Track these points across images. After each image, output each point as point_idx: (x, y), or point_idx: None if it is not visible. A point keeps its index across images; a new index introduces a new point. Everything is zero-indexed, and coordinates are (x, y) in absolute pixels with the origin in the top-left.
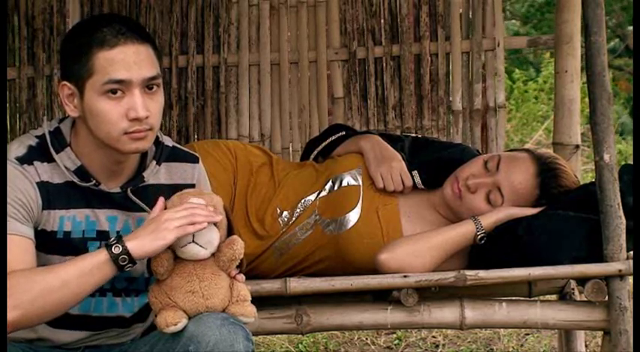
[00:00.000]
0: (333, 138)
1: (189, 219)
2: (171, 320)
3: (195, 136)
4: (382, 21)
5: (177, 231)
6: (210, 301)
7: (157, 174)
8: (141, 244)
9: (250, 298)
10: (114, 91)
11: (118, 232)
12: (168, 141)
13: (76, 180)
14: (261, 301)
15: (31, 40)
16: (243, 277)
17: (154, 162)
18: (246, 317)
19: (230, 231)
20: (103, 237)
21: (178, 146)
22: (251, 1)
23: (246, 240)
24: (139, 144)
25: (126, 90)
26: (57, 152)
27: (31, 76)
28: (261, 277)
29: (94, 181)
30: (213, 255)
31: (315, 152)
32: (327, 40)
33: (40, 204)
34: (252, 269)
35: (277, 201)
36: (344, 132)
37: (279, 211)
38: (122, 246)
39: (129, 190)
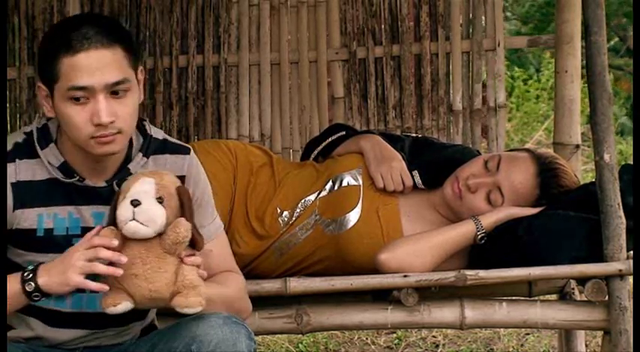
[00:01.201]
0: (333, 138)
1: (91, 267)
2: (111, 301)
3: (195, 136)
4: (382, 21)
5: (79, 279)
6: (154, 285)
7: (145, 167)
8: (49, 284)
9: (200, 283)
10: (77, 98)
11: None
12: (158, 134)
13: (59, 176)
14: (261, 301)
15: (31, 40)
16: (196, 260)
17: (140, 155)
18: (191, 307)
19: (189, 216)
20: (88, 232)
21: (170, 139)
22: (251, 1)
23: (247, 240)
24: (107, 148)
25: (90, 96)
26: (42, 148)
27: (31, 76)
28: (261, 277)
29: (78, 177)
30: (160, 236)
31: (316, 152)
32: (328, 40)
33: (12, 205)
34: (252, 270)
35: (277, 200)
36: (344, 132)
37: (279, 211)
38: (34, 283)
39: (114, 184)
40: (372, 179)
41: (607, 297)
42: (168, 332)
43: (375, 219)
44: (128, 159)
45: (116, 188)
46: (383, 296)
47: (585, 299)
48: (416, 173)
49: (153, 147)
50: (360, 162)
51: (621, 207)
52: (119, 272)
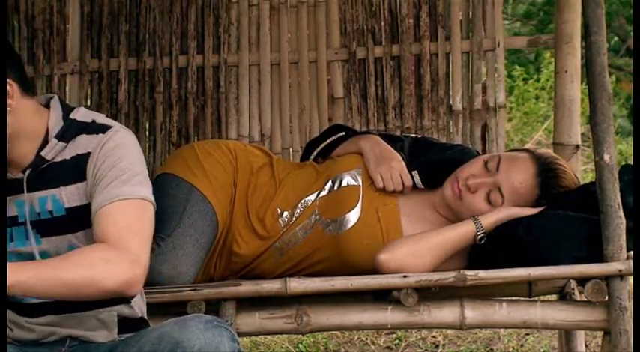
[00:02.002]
0: (333, 138)
1: None
2: None
3: (195, 136)
4: (382, 21)
5: None
6: None
7: (64, 152)
8: None
9: None
10: None
11: (25, 216)
12: (86, 117)
13: None
14: (261, 301)
15: (31, 40)
16: None
17: (55, 141)
18: None
19: None
20: (13, 222)
21: (100, 120)
22: (251, 1)
23: (247, 241)
24: None
25: None
26: None
27: (31, 76)
28: (261, 277)
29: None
30: None
31: (315, 152)
32: (327, 40)
33: None
34: (252, 270)
35: (277, 201)
36: (344, 133)
37: (279, 211)
38: None
39: (26, 174)
40: (372, 179)
41: (607, 297)
42: (153, 336)
43: (374, 220)
44: (43, 146)
45: (24, 179)
46: (383, 297)
47: (585, 299)
48: (416, 173)
49: (74, 131)
50: (360, 163)
51: (621, 207)
52: None
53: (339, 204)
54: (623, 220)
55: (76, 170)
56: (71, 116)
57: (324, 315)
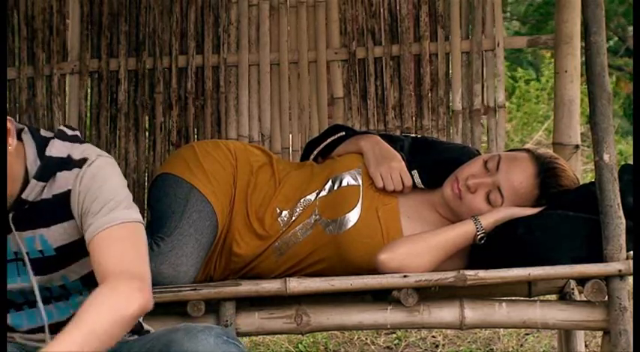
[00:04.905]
0: (333, 138)
1: None
2: None
3: (195, 136)
4: (382, 21)
5: None
6: None
7: (44, 192)
8: None
9: None
10: None
11: (12, 254)
12: (61, 152)
13: None
14: (261, 301)
15: (30, 40)
16: None
17: (34, 181)
18: None
19: None
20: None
21: (75, 155)
22: (251, 1)
23: (247, 240)
24: None
25: None
26: None
27: (31, 76)
28: (261, 277)
29: None
30: None
31: (315, 152)
32: (327, 40)
33: None
34: (251, 269)
35: (277, 200)
36: (344, 133)
37: (278, 211)
38: None
39: (10, 215)
40: (372, 179)
41: (607, 297)
42: (161, 342)
43: (374, 219)
44: (24, 187)
45: (10, 220)
46: (383, 297)
47: (585, 299)
48: (415, 173)
49: (52, 169)
50: (360, 162)
51: (621, 207)
52: None
53: (339, 203)
54: (623, 220)
55: (59, 209)
56: (47, 153)
57: (324, 315)
